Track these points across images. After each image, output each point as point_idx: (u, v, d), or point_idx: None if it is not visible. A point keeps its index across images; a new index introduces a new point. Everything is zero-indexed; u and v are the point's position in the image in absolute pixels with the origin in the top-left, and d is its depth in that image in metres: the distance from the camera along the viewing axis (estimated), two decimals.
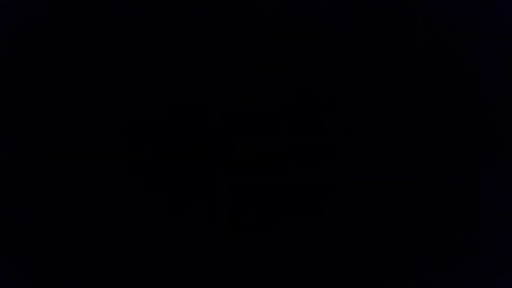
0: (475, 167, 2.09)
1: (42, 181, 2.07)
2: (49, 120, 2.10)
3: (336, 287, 2.04)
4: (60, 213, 2.06)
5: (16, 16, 2.12)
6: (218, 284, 2.04)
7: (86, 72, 2.12)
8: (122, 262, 2.04)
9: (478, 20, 2.15)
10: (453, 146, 2.10)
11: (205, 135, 2.12)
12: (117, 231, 2.06)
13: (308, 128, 2.12)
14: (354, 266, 2.05)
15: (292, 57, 2.15)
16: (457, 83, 2.13)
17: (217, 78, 2.14)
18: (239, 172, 2.10)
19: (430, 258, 2.06)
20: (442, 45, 2.15)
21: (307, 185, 2.10)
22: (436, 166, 2.10)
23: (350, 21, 2.15)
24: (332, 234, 2.07)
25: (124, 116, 2.12)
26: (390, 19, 2.15)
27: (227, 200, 2.09)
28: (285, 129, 2.12)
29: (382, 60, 2.14)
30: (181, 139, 2.12)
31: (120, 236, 2.05)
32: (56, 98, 2.11)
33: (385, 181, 2.09)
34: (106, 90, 2.12)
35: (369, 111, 2.13)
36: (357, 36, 2.15)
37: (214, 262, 2.05)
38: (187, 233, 2.07)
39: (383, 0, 2.14)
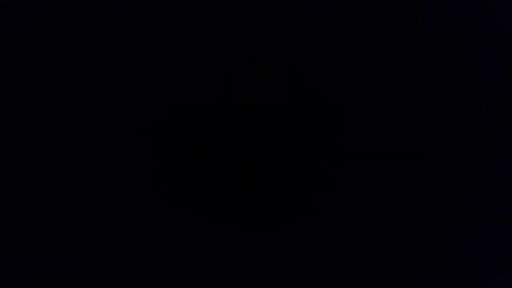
0: (474, 167, 2.10)
1: (42, 181, 2.07)
2: (49, 120, 2.10)
3: (336, 287, 2.04)
4: (60, 213, 2.06)
5: (16, 16, 2.12)
6: (219, 283, 2.04)
7: (85, 71, 2.13)
8: (123, 262, 2.04)
9: (478, 20, 2.15)
10: (452, 146, 2.11)
11: (205, 135, 2.12)
12: (117, 231, 2.06)
13: (308, 128, 2.13)
14: (354, 266, 2.05)
15: (292, 57, 2.15)
16: (457, 83, 2.13)
17: (217, 78, 2.15)
18: (239, 171, 2.10)
19: (429, 258, 2.06)
20: (442, 45, 2.15)
21: (306, 184, 2.11)
22: (435, 166, 2.10)
23: (350, 21, 2.15)
24: (331, 234, 2.07)
25: (124, 116, 2.12)
26: (390, 19, 2.15)
27: (227, 200, 2.10)
28: (285, 129, 2.12)
29: (382, 59, 2.14)
30: (180, 138, 2.13)
31: (120, 236, 2.05)
32: (55, 98, 2.11)
33: (385, 180, 2.10)
34: (106, 89, 2.12)
35: (369, 111, 2.13)
36: (357, 36, 2.15)
37: (215, 261, 2.05)
38: (187, 232, 2.07)
39: (383, 0, 2.15)
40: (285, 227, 2.08)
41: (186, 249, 2.06)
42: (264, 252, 2.06)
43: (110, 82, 2.12)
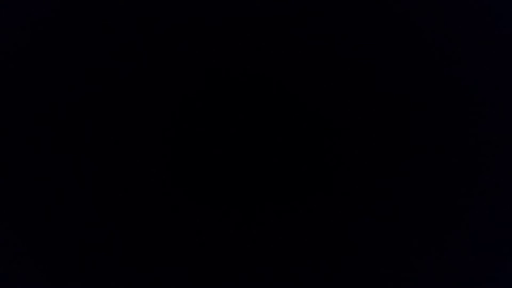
0: (474, 167, 2.10)
1: (41, 181, 2.08)
2: (49, 120, 2.10)
3: (335, 286, 2.04)
4: (61, 209, 2.07)
5: (16, 16, 2.13)
6: (219, 283, 2.04)
7: (85, 70, 2.13)
8: (122, 261, 2.04)
9: (479, 20, 2.15)
10: (453, 146, 2.10)
11: (198, 133, 2.12)
12: (117, 231, 2.06)
13: (306, 127, 2.13)
14: (353, 266, 2.05)
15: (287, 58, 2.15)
16: (457, 83, 2.13)
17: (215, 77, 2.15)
18: (236, 168, 2.11)
19: (429, 258, 2.06)
20: (442, 45, 2.15)
21: (305, 184, 2.11)
22: (435, 166, 2.10)
23: (346, 21, 2.15)
24: (330, 234, 2.07)
25: (125, 115, 2.12)
26: (390, 19, 2.15)
27: (227, 200, 2.10)
28: (282, 129, 2.12)
29: (382, 59, 2.14)
30: (179, 138, 2.13)
31: (120, 235, 2.06)
32: (55, 97, 2.12)
33: (385, 180, 2.10)
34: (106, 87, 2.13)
35: (369, 111, 2.13)
36: (356, 37, 2.15)
37: (215, 261, 2.06)
38: (184, 228, 2.07)
39: (381, 3, 2.15)
40: (282, 228, 2.08)
41: (186, 249, 2.06)
42: (263, 252, 2.06)
43: (110, 81, 2.13)
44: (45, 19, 2.13)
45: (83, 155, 2.09)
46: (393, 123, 2.12)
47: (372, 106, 2.13)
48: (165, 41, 2.14)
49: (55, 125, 2.09)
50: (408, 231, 2.07)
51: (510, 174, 2.08)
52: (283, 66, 2.15)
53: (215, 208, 2.10)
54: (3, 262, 2.02)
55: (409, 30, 2.15)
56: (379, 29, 2.15)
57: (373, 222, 2.07)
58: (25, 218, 2.05)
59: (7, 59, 2.11)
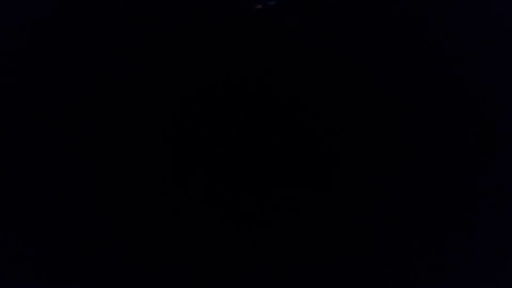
0: (474, 167, 2.10)
1: (41, 180, 2.08)
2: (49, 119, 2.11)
3: (335, 286, 2.04)
4: (61, 207, 2.07)
5: (16, 15, 2.13)
6: (218, 283, 2.04)
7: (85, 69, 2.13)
8: (122, 260, 2.04)
9: (479, 20, 2.15)
10: (453, 146, 2.10)
11: (201, 131, 2.13)
12: (117, 230, 2.06)
13: (306, 128, 2.13)
14: (353, 267, 2.05)
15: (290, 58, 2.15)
16: (457, 83, 2.13)
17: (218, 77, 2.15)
18: (236, 169, 2.11)
19: (429, 259, 2.06)
20: (442, 45, 2.15)
21: (304, 185, 2.11)
22: (435, 166, 2.10)
23: (348, 20, 2.15)
24: (330, 234, 2.08)
25: (124, 115, 2.12)
26: (391, 19, 2.15)
27: (226, 201, 2.10)
28: (285, 130, 2.12)
29: (382, 59, 2.14)
30: (178, 137, 2.13)
31: (119, 235, 2.06)
32: (55, 98, 2.12)
33: (384, 180, 2.10)
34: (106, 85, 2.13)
35: (369, 111, 2.13)
36: (357, 38, 2.15)
37: (214, 261, 2.06)
38: (185, 225, 2.07)
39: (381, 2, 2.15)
40: (282, 229, 2.08)
41: (185, 241, 2.07)
42: (263, 252, 2.06)
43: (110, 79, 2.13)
44: (44, 19, 2.13)
45: (83, 155, 2.09)
46: (393, 123, 2.12)
47: (373, 106, 2.13)
48: (165, 41, 2.15)
49: (54, 124, 2.10)
50: (408, 231, 2.07)
51: (510, 174, 2.08)
52: (282, 66, 2.16)
53: (214, 206, 2.10)
54: (3, 262, 2.02)
55: (409, 30, 2.15)
56: (379, 28, 2.15)
57: (372, 222, 2.08)
58: (25, 218, 2.06)
59: (7, 59, 2.11)
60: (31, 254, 2.03)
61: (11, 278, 1.99)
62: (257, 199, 2.10)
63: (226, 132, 2.13)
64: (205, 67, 2.16)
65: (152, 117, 2.14)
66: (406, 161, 2.10)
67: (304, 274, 2.04)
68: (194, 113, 2.15)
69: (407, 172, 2.10)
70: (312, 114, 2.14)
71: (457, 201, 2.09)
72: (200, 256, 2.06)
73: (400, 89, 2.13)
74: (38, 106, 2.11)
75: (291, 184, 2.11)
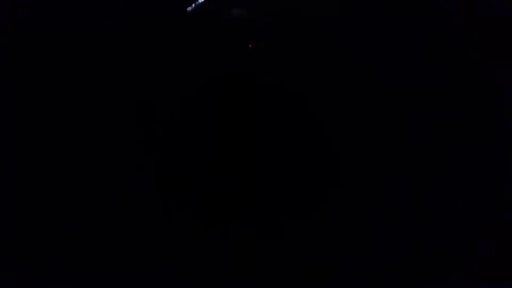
0: (475, 167, 2.09)
1: (40, 180, 2.09)
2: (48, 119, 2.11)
3: (335, 286, 2.05)
4: (59, 210, 2.07)
5: (16, 15, 2.13)
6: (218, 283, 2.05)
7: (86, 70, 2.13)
8: (122, 260, 2.05)
9: (480, 19, 2.14)
10: (453, 146, 2.10)
11: (202, 133, 2.13)
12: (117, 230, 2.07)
13: (307, 129, 2.13)
14: (353, 267, 2.05)
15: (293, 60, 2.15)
16: (457, 82, 2.13)
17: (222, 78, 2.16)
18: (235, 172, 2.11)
19: (429, 259, 2.06)
20: (443, 45, 2.14)
21: (304, 185, 2.11)
22: (436, 166, 2.10)
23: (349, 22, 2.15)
24: (330, 235, 2.08)
25: (125, 115, 2.13)
26: (392, 18, 2.15)
27: (223, 198, 2.11)
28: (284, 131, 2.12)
29: (383, 59, 2.14)
30: (178, 138, 2.13)
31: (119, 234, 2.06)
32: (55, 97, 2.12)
33: (385, 181, 2.10)
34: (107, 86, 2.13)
35: (370, 111, 2.13)
36: (359, 38, 2.15)
37: (214, 263, 2.06)
38: (186, 230, 2.08)
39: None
40: (281, 230, 2.08)
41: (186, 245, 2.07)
42: (264, 250, 2.07)
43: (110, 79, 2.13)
44: (43, 17, 2.13)
45: (83, 155, 2.10)
46: (393, 123, 2.12)
47: (373, 106, 2.13)
48: (164, 41, 2.15)
49: (52, 124, 2.10)
50: (408, 231, 2.07)
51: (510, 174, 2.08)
52: (281, 66, 2.16)
53: (211, 207, 2.11)
54: (3, 262, 2.03)
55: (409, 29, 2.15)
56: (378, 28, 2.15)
57: (373, 222, 2.08)
58: (24, 218, 2.06)
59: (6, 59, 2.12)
60: (28, 254, 2.04)
61: (10, 278, 2.00)
62: (257, 199, 2.10)
63: (225, 132, 2.13)
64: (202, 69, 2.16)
65: (152, 116, 2.15)
66: (406, 161, 2.10)
67: (303, 275, 2.05)
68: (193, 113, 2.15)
69: (407, 172, 2.10)
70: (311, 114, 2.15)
71: (457, 202, 2.09)
72: (200, 256, 2.06)
73: (400, 88, 2.13)
74: (34, 105, 2.12)
75: (289, 185, 2.12)
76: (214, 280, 2.01)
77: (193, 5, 1.92)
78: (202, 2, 1.97)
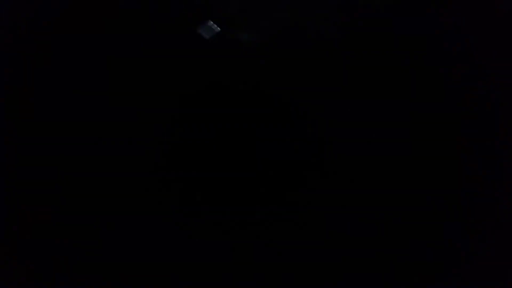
0: (475, 168, 2.09)
1: (40, 180, 2.08)
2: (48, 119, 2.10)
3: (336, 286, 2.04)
4: (61, 213, 2.07)
5: (16, 15, 2.13)
6: (217, 284, 2.04)
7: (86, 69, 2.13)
8: (123, 263, 2.05)
9: (480, 20, 2.14)
10: (453, 146, 2.10)
11: (204, 133, 2.13)
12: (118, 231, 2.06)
13: (307, 128, 2.13)
14: (353, 267, 2.05)
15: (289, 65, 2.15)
16: (458, 83, 2.13)
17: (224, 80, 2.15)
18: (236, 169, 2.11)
19: (429, 259, 2.06)
20: (443, 45, 2.14)
21: (303, 185, 2.11)
22: (435, 166, 2.10)
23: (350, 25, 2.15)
24: (330, 235, 2.07)
25: (125, 116, 2.12)
26: (393, 19, 2.15)
27: (222, 198, 2.10)
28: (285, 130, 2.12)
29: (383, 59, 2.14)
30: (179, 138, 2.13)
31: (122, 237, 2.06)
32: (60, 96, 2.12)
33: (385, 181, 2.10)
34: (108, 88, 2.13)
35: (370, 111, 2.13)
36: (353, 36, 2.15)
37: (214, 263, 2.06)
38: (188, 230, 2.08)
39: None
40: (281, 230, 2.08)
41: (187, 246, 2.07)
42: (262, 251, 2.06)
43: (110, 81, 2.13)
44: (44, 18, 2.13)
45: (83, 155, 2.09)
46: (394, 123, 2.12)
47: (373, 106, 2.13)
48: (164, 42, 2.15)
49: (51, 123, 2.10)
50: (408, 231, 2.07)
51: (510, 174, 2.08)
52: (280, 66, 2.15)
53: (210, 203, 2.10)
54: (2, 262, 2.02)
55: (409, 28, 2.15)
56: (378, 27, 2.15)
57: (373, 222, 2.08)
58: (24, 217, 2.06)
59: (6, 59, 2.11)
60: (27, 254, 2.04)
61: (10, 278, 1.99)
62: (257, 199, 2.10)
63: (223, 132, 2.13)
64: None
65: (152, 117, 2.14)
66: (407, 161, 2.10)
67: (302, 275, 2.04)
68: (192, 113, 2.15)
69: (408, 171, 2.10)
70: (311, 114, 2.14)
71: (457, 202, 2.08)
72: (200, 256, 2.06)
73: (400, 88, 2.13)
74: (34, 104, 2.11)
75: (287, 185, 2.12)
76: (214, 279, 2.01)
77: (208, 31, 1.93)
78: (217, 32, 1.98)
